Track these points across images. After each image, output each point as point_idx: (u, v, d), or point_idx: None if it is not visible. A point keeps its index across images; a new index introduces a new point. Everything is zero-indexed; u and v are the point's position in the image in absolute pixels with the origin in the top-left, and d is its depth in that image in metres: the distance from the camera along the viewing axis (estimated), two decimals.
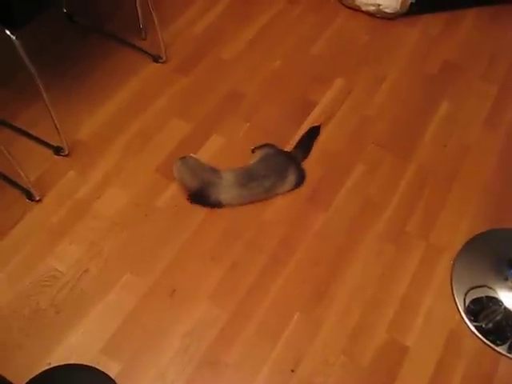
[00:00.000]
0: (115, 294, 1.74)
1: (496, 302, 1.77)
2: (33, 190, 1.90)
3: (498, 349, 1.69)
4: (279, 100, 2.22)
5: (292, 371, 1.63)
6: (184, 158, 1.93)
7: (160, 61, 2.32)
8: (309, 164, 2.03)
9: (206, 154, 2.02)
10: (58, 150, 2.03)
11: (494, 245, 1.89)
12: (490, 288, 1.79)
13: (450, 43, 2.45)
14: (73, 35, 2.40)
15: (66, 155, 2.03)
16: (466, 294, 1.78)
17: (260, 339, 1.68)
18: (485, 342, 1.70)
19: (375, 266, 1.83)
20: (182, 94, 2.23)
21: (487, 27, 2.52)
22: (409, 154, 2.09)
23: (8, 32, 1.67)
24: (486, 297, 1.78)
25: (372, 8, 2.47)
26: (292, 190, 1.97)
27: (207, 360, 1.64)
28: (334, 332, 1.70)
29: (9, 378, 1.55)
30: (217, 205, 1.92)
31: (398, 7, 2.45)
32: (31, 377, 1.57)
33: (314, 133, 2.11)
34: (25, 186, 1.91)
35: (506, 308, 1.75)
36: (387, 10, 2.46)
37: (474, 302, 1.77)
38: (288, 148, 2.06)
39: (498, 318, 1.74)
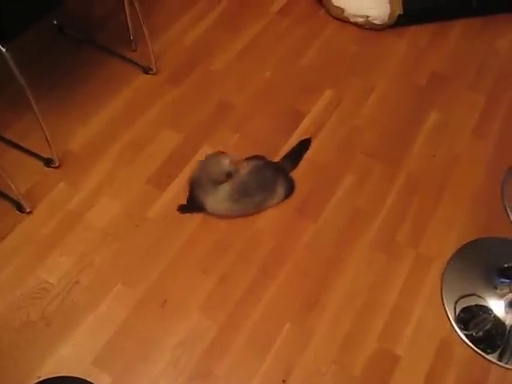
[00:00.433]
0: (106, 305, 1.74)
1: (486, 310, 1.78)
2: (23, 202, 1.90)
3: (488, 357, 1.70)
4: (269, 111, 2.23)
5: (283, 382, 1.63)
6: (212, 154, 1.97)
7: (150, 72, 2.33)
8: (298, 175, 2.04)
9: (197, 164, 2.02)
10: (48, 162, 2.03)
11: (483, 254, 1.90)
12: (480, 297, 1.81)
13: (437, 54, 2.48)
14: (63, 47, 2.40)
15: (57, 167, 2.03)
16: (456, 303, 1.79)
17: (251, 350, 1.68)
18: (475, 351, 1.71)
19: (366, 276, 1.83)
20: (173, 105, 2.24)
21: (474, 38, 2.55)
22: (398, 164, 2.10)
23: None
24: (476, 305, 1.80)
25: (360, 19, 2.50)
26: (282, 201, 1.97)
27: (198, 371, 1.64)
28: (324, 342, 1.70)
29: None
30: (202, 210, 1.93)
31: (386, 19, 2.48)
32: None
33: (304, 145, 2.12)
34: (15, 198, 1.91)
35: (495, 316, 1.76)
36: (375, 22, 2.48)
37: (465, 310, 1.78)
38: (277, 159, 2.07)
39: (488, 326, 1.75)
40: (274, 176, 1.95)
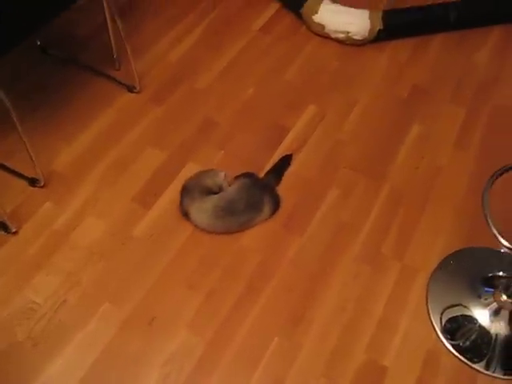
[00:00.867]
0: (94, 324, 1.74)
1: (471, 320, 1.79)
2: (9, 223, 1.90)
3: (475, 366, 1.71)
4: (253, 127, 2.25)
5: None
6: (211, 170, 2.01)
7: (134, 91, 2.34)
8: (283, 190, 2.05)
9: (182, 181, 2.02)
10: (33, 182, 2.03)
11: (467, 264, 1.92)
12: (465, 306, 1.82)
13: (418, 68, 2.51)
14: (47, 67, 2.41)
15: (42, 186, 2.03)
16: (442, 314, 1.80)
17: (240, 366, 1.68)
18: (462, 360, 1.72)
19: (352, 288, 1.84)
20: (157, 124, 2.25)
21: (453, 52, 2.59)
22: (382, 177, 2.12)
23: None
24: (462, 315, 1.81)
25: (341, 35, 2.53)
26: (268, 218, 1.99)
27: None
28: (313, 355, 1.70)
29: None
30: (184, 215, 1.95)
31: (367, 34, 2.51)
32: None
33: (285, 161, 2.14)
34: (0, 219, 1.91)
35: (480, 325, 1.77)
36: (356, 37, 2.52)
37: (451, 320, 1.79)
38: (262, 174, 2.08)
39: (474, 335, 1.77)
40: (261, 194, 1.97)
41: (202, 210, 1.92)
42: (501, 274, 1.85)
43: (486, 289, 1.83)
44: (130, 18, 2.61)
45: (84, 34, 2.56)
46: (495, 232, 1.51)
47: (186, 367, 1.67)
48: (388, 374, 1.68)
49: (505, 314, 1.78)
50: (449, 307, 1.82)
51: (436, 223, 2.01)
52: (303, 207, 2.03)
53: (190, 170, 2.05)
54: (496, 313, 1.79)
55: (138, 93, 2.34)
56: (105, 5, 2.14)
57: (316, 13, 2.55)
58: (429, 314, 1.80)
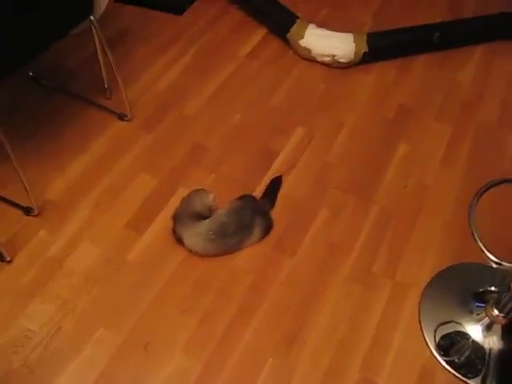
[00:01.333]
0: (89, 350, 1.74)
1: (464, 335, 1.80)
2: (3, 251, 1.92)
3: (470, 382, 1.71)
4: (242, 151, 2.28)
5: None
6: (198, 190, 2.02)
7: (125, 119, 2.38)
8: (274, 212, 2.08)
9: (174, 207, 2.04)
10: (28, 211, 2.05)
11: (458, 280, 1.94)
12: (458, 323, 1.83)
13: (403, 88, 2.55)
14: (39, 97, 2.45)
15: (36, 215, 2.05)
16: (435, 331, 1.81)
17: None
18: (457, 376, 1.72)
19: (344, 308, 1.86)
20: (148, 150, 2.28)
21: (437, 71, 2.64)
22: (370, 197, 2.14)
23: None
24: (455, 332, 1.82)
25: (327, 59, 2.58)
26: (259, 241, 2.01)
27: None
28: (307, 375, 1.71)
29: None
30: (178, 240, 1.98)
31: (352, 57, 2.56)
32: None
33: (276, 183, 2.16)
34: None
35: (473, 341, 1.78)
36: (342, 60, 2.56)
37: (444, 337, 1.80)
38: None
39: (468, 351, 1.77)
40: (252, 217, 1.98)
41: (195, 234, 1.94)
42: (492, 288, 1.86)
43: (478, 304, 1.84)
44: (120, 48, 2.65)
45: (75, 64, 2.60)
46: (482, 247, 1.53)
47: None
48: None
49: (497, 328, 1.79)
50: (442, 324, 1.83)
51: (426, 240, 2.03)
52: (294, 229, 2.05)
53: (181, 195, 2.05)
54: (488, 328, 1.80)
55: (128, 121, 2.37)
56: (95, 35, 2.17)
57: (302, 37, 2.60)
58: (422, 331, 1.81)
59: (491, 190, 1.62)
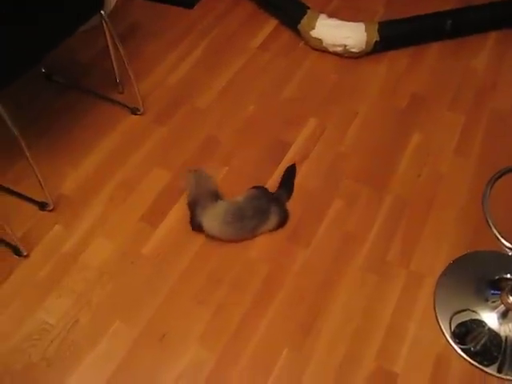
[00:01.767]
0: (106, 342, 1.76)
1: (480, 323, 1.80)
2: (20, 246, 1.94)
3: (486, 370, 1.71)
4: (255, 143, 2.29)
5: None
6: (196, 171, 2.04)
7: (138, 113, 2.39)
8: (288, 203, 2.08)
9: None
10: (43, 206, 2.07)
11: (473, 268, 1.93)
12: (473, 311, 1.82)
13: (416, 77, 2.54)
14: (52, 93, 2.47)
15: (51, 210, 2.07)
16: (451, 320, 1.80)
17: (251, 378, 1.70)
18: (473, 364, 1.72)
19: (359, 297, 1.86)
20: (161, 144, 2.29)
21: (450, 60, 2.62)
22: (384, 186, 2.14)
23: None
24: (470, 320, 1.82)
25: (339, 49, 2.57)
26: (274, 229, 2.01)
27: None
28: (323, 365, 1.72)
29: None
30: (200, 229, 1.98)
31: (364, 46, 2.55)
32: None
33: (291, 171, 2.17)
34: (12, 243, 1.95)
35: (489, 328, 1.78)
36: (353, 50, 2.55)
37: (460, 326, 1.79)
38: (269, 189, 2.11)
39: (484, 339, 1.77)
40: (268, 204, 1.99)
41: (214, 215, 1.95)
42: (507, 276, 1.86)
43: (493, 291, 1.84)
44: (131, 42, 2.67)
45: (86, 60, 2.61)
46: (496, 233, 1.52)
47: (198, 382, 1.68)
48: (399, 381, 1.68)
49: None
50: (457, 312, 1.83)
51: (440, 229, 2.02)
52: (308, 219, 2.05)
53: None
54: (504, 315, 1.79)
55: (141, 115, 2.39)
56: (106, 30, 2.18)
57: (313, 28, 2.60)
58: (437, 320, 1.81)
59: (505, 178, 1.61)
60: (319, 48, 2.63)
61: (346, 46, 2.54)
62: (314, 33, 2.60)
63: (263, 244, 1.99)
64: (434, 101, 2.44)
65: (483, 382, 1.70)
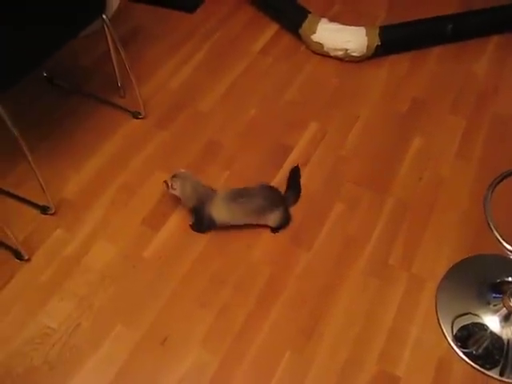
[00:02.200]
0: (107, 346, 1.76)
1: (481, 327, 1.80)
2: (21, 250, 1.94)
3: (488, 373, 1.71)
4: (256, 147, 2.29)
5: None
6: (179, 175, 2.02)
7: (139, 117, 2.39)
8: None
9: None
10: (44, 209, 2.07)
11: (474, 271, 1.93)
12: (475, 314, 1.82)
13: (416, 81, 2.55)
14: (53, 97, 2.47)
15: (53, 214, 2.07)
16: (452, 323, 1.80)
17: (253, 381, 1.70)
18: (475, 367, 1.72)
19: (361, 301, 1.86)
20: (163, 148, 2.29)
21: (451, 63, 2.62)
22: (385, 190, 2.14)
23: None
24: (472, 323, 1.82)
25: (340, 53, 2.57)
26: (274, 227, 2.02)
27: None
28: (325, 368, 1.72)
29: None
30: (212, 224, 1.99)
31: (365, 50, 2.55)
32: None
33: (296, 172, 2.16)
34: (13, 246, 1.94)
35: (491, 332, 1.78)
36: (354, 54, 2.56)
37: (462, 329, 1.79)
38: None
39: (486, 342, 1.77)
40: (278, 198, 2.01)
41: (222, 199, 1.98)
42: (509, 279, 1.86)
43: (495, 295, 1.84)
44: (132, 46, 2.67)
45: (88, 64, 2.62)
46: (498, 236, 1.53)
47: None
48: None
49: None
50: (459, 316, 1.83)
51: (441, 233, 2.02)
52: (309, 223, 2.05)
53: None
54: (506, 318, 1.79)
55: (143, 118, 2.39)
56: (107, 34, 2.19)
57: (314, 32, 2.60)
58: (439, 324, 1.81)
59: (507, 181, 1.62)
60: (320, 52, 2.64)
61: (347, 50, 2.55)
62: (315, 37, 2.60)
63: (265, 247, 1.99)
64: (435, 105, 2.44)
65: None
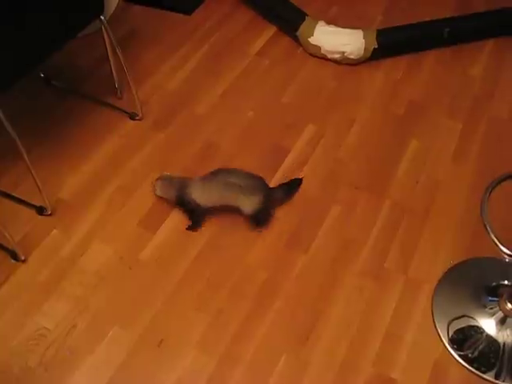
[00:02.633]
0: (103, 348, 1.76)
1: (477, 330, 1.80)
2: (18, 251, 1.93)
3: (484, 376, 1.71)
4: (254, 149, 2.29)
5: None
6: (161, 177, 2.07)
7: (136, 118, 2.39)
8: (286, 209, 2.09)
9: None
10: (41, 210, 2.07)
11: (471, 274, 1.94)
12: (471, 317, 1.83)
13: (413, 84, 2.55)
14: (51, 98, 2.46)
15: (49, 214, 2.07)
16: (448, 326, 1.81)
17: None
18: (471, 370, 1.72)
19: (357, 303, 1.86)
20: (160, 149, 2.29)
21: (448, 66, 2.63)
22: (383, 192, 2.14)
23: None
24: (468, 326, 1.82)
25: (337, 56, 2.58)
26: (251, 216, 2.01)
27: None
28: (321, 371, 1.72)
29: None
30: (199, 209, 2.02)
31: (362, 53, 2.56)
32: None
33: (296, 183, 2.15)
34: (10, 247, 1.94)
35: (487, 335, 1.78)
36: (351, 57, 2.56)
37: (457, 332, 1.80)
38: None
39: (482, 345, 1.77)
40: (261, 187, 2.01)
41: (200, 180, 2.02)
42: (505, 282, 1.86)
43: (491, 298, 1.84)
44: (130, 48, 2.67)
45: (85, 65, 2.61)
46: (494, 239, 1.53)
47: None
48: None
49: (511, 322, 1.79)
50: (455, 318, 1.83)
51: (438, 235, 2.03)
52: (306, 225, 2.05)
53: None
54: (502, 321, 1.80)
55: (140, 120, 2.39)
56: (105, 36, 2.19)
57: (312, 35, 2.60)
58: (435, 326, 1.81)
59: (503, 184, 1.62)
60: (317, 55, 2.64)
61: (344, 52, 2.55)
62: (313, 40, 2.60)
63: (262, 250, 1.99)
64: (431, 108, 2.45)
65: None
